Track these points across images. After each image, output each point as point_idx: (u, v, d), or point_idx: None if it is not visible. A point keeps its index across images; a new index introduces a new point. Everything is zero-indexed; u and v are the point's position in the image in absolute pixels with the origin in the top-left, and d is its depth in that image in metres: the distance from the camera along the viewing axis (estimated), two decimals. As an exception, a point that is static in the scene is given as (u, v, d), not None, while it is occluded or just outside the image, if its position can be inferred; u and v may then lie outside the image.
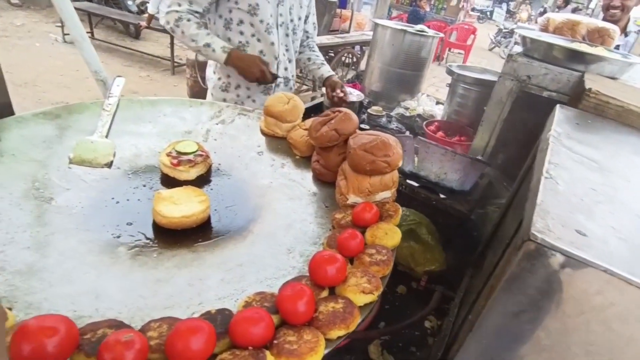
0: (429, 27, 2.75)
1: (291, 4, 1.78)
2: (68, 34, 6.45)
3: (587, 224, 0.53)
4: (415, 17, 9.20)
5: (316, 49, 2.09)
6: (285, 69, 1.92)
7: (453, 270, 1.35)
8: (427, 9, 10.87)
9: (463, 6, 14.29)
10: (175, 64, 6.08)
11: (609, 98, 1.02)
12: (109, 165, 1.05)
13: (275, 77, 1.77)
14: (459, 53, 10.48)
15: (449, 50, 10.46)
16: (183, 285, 0.73)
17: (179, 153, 1.09)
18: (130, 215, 0.90)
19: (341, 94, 1.84)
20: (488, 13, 22.53)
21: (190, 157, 1.09)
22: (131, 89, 5.14)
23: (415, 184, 1.47)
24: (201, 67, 3.75)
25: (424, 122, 2.25)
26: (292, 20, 1.82)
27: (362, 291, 0.69)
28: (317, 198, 1.07)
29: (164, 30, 5.81)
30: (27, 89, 4.67)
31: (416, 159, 1.45)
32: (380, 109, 2.40)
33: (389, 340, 1.14)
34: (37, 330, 0.48)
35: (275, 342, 0.58)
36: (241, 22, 1.70)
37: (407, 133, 2.02)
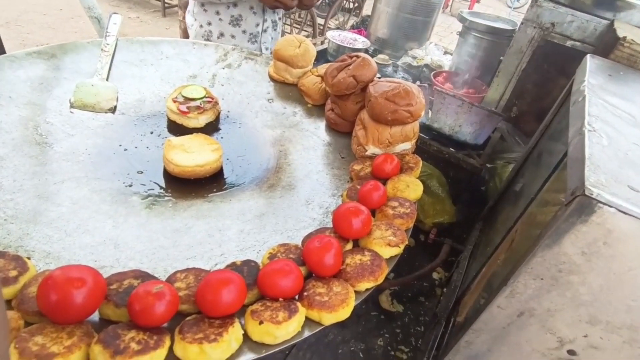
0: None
1: None
2: (48, -32, 5.97)
3: (637, 179, 0.50)
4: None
5: None
6: (274, 11, 1.79)
7: (461, 224, 1.35)
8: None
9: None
10: (167, 5, 5.70)
11: (645, 48, 0.97)
12: (113, 110, 0.99)
13: None
14: (465, 0, 9.96)
15: (454, -4, 9.92)
16: (202, 235, 0.71)
17: (186, 99, 1.03)
18: (139, 164, 0.86)
19: None
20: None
21: (198, 103, 1.03)
22: (120, 32, 4.83)
23: (426, 137, 1.43)
24: (195, 8, 3.49)
25: (432, 73, 2.15)
26: None
27: (388, 244, 0.67)
28: (332, 148, 1.03)
29: (153, -33, 5.39)
30: (10, 29, 4.39)
31: (430, 111, 1.40)
32: (387, 57, 2.30)
33: (398, 290, 1.16)
34: (64, 281, 0.45)
35: (305, 294, 0.57)
36: None
37: (418, 83, 1.94)
